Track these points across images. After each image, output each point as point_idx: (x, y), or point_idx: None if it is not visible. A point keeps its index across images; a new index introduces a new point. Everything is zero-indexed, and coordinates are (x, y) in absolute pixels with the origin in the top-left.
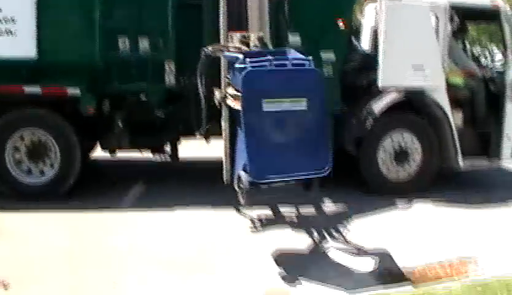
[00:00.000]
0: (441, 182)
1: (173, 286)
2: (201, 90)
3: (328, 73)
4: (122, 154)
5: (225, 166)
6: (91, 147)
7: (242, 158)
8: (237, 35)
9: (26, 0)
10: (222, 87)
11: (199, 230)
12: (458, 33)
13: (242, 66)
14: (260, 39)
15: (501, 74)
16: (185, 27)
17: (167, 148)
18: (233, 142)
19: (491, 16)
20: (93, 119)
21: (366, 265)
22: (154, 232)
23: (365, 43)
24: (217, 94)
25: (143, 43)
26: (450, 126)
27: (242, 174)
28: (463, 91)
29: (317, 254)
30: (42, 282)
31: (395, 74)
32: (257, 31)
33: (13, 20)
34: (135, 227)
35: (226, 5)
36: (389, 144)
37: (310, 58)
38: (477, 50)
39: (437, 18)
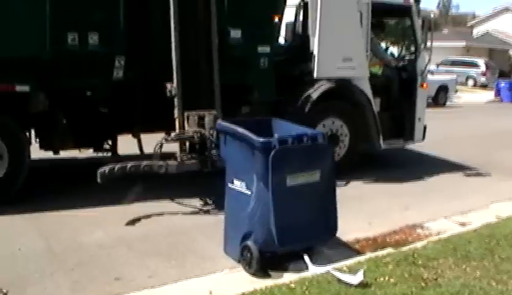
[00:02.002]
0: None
1: (165, 272)
2: None
3: (265, 65)
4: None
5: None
6: None
7: (241, 228)
8: (194, 117)
9: None
10: None
11: (163, 218)
12: (376, 27)
13: (262, 140)
14: (215, 118)
15: (412, 63)
16: (134, 21)
17: (108, 144)
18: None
19: (403, 12)
20: (38, 116)
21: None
22: (124, 226)
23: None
24: None
25: (94, 38)
26: (373, 111)
27: (251, 244)
28: (382, 80)
29: None
30: (40, 284)
31: (329, 66)
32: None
33: None
34: (105, 223)
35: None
36: (322, 129)
37: (322, 131)
38: (390, 42)
39: (361, 13)
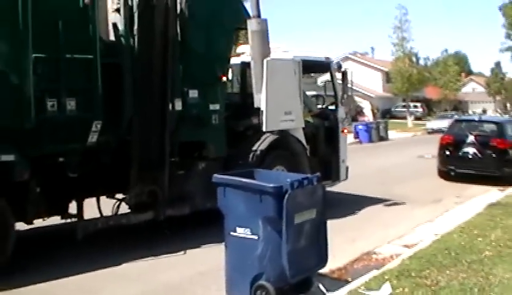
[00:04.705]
0: None
1: None
2: None
3: (216, 121)
4: None
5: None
6: None
7: (249, 271)
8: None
9: None
10: None
11: (150, 276)
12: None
13: (275, 186)
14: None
15: (334, 112)
16: (107, 87)
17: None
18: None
19: (324, 68)
20: (11, 187)
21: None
22: (119, 290)
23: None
24: None
25: (71, 104)
26: (307, 157)
27: (265, 283)
28: (311, 128)
29: None
30: None
31: (275, 120)
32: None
33: None
34: (99, 290)
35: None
36: None
37: (318, 174)
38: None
39: (294, 71)
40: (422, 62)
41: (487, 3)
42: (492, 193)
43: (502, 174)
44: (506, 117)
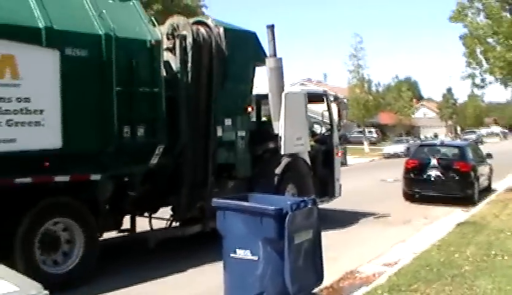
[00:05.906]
0: None
1: None
2: None
3: (243, 146)
4: None
5: None
6: None
7: (249, 291)
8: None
9: (55, 94)
10: None
11: None
12: None
13: (276, 208)
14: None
15: (330, 137)
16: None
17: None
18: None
19: (322, 98)
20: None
21: None
22: None
23: None
24: None
25: (141, 131)
26: (311, 177)
27: None
28: (312, 152)
29: None
30: None
31: (290, 144)
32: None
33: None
34: None
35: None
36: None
37: (313, 196)
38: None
39: (303, 101)
40: (373, 88)
41: (436, 32)
42: (457, 214)
43: (465, 196)
44: (458, 140)
